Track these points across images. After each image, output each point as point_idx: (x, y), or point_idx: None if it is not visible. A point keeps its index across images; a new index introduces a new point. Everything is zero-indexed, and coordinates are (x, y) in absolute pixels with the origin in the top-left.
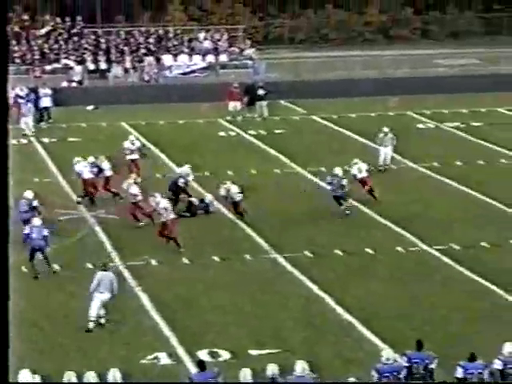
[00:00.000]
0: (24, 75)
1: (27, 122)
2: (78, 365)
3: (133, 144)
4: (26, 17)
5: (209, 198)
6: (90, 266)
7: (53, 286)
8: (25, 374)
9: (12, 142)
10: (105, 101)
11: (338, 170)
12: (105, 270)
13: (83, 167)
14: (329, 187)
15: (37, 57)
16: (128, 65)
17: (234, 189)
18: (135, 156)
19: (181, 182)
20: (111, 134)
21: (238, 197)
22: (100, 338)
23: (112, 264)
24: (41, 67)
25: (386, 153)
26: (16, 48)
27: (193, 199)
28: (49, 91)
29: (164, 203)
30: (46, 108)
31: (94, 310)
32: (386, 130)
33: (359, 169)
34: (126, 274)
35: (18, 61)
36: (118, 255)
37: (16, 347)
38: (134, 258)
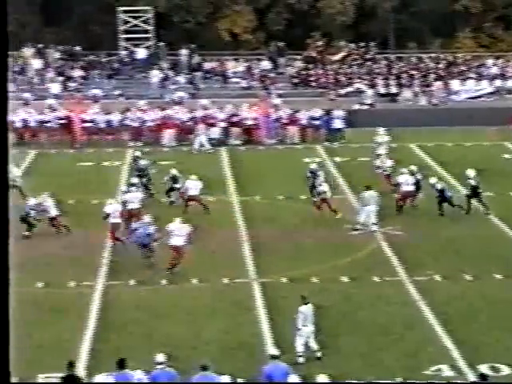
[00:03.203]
0: (319, 98)
1: (202, 141)
2: (361, 371)
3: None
4: (322, 43)
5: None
6: (376, 279)
7: (341, 296)
8: (322, 378)
9: (306, 160)
10: (394, 123)
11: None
12: (306, 303)
13: None
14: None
15: (331, 81)
16: (417, 89)
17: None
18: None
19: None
20: (399, 154)
21: None
22: (386, 347)
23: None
24: (335, 90)
25: None
26: (312, 72)
27: None
28: (342, 113)
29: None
30: (338, 129)
31: (301, 345)
32: None
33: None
34: (411, 288)
35: (313, 84)
36: (403, 270)
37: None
38: (419, 272)
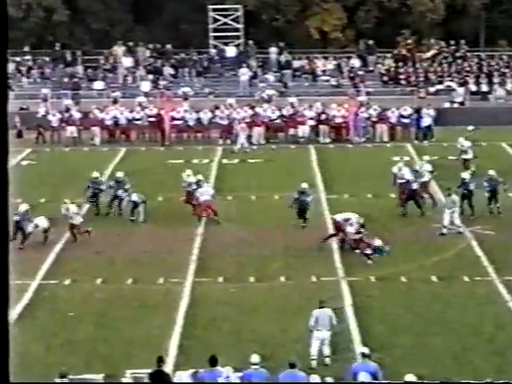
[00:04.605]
0: (408, 96)
1: (243, 142)
2: (450, 371)
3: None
4: (412, 41)
5: None
6: (466, 279)
7: (429, 295)
8: (409, 377)
9: (395, 158)
10: (485, 121)
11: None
12: (322, 308)
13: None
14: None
15: (421, 79)
16: (509, 87)
17: None
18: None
19: None
20: (490, 153)
21: None
22: (476, 347)
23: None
24: (425, 89)
25: None
26: (402, 70)
27: None
28: (432, 112)
29: (74, 209)
30: (428, 127)
31: (315, 348)
32: None
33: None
34: (501, 288)
35: (403, 82)
36: (493, 269)
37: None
38: (509, 272)
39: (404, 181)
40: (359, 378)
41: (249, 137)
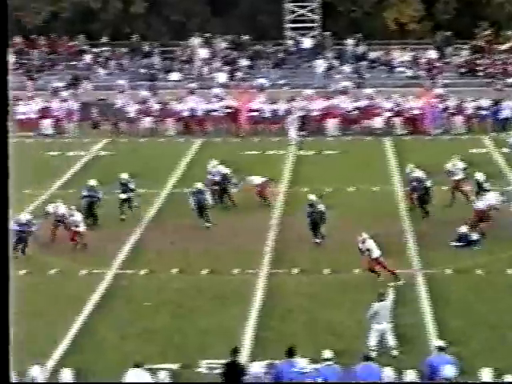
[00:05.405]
0: (485, 88)
1: (292, 134)
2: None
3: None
4: (490, 32)
5: None
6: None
7: (506, 288)
8: (485, 372)
9: (473, 151)
10: None
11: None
12: (382, 301)
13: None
14: None
15: (499, 70)
16: None
17: None
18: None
19: None
20: None
21: None
22: None
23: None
24: (502, 80)
25: None
26: (479, 62)
27: None
28: (511, 104)
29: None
30: (506, 119)
31: (374, 340)
32: None
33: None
34: None
35: (480, 74)
36: None
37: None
38: None
39: (416, 182)
40: (444, 370)
41: (301, 127)
